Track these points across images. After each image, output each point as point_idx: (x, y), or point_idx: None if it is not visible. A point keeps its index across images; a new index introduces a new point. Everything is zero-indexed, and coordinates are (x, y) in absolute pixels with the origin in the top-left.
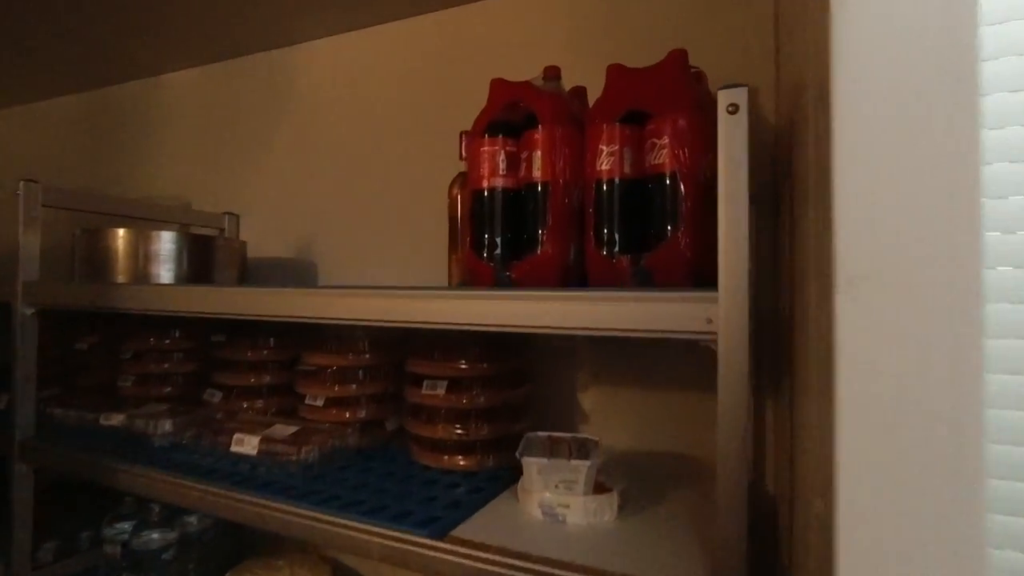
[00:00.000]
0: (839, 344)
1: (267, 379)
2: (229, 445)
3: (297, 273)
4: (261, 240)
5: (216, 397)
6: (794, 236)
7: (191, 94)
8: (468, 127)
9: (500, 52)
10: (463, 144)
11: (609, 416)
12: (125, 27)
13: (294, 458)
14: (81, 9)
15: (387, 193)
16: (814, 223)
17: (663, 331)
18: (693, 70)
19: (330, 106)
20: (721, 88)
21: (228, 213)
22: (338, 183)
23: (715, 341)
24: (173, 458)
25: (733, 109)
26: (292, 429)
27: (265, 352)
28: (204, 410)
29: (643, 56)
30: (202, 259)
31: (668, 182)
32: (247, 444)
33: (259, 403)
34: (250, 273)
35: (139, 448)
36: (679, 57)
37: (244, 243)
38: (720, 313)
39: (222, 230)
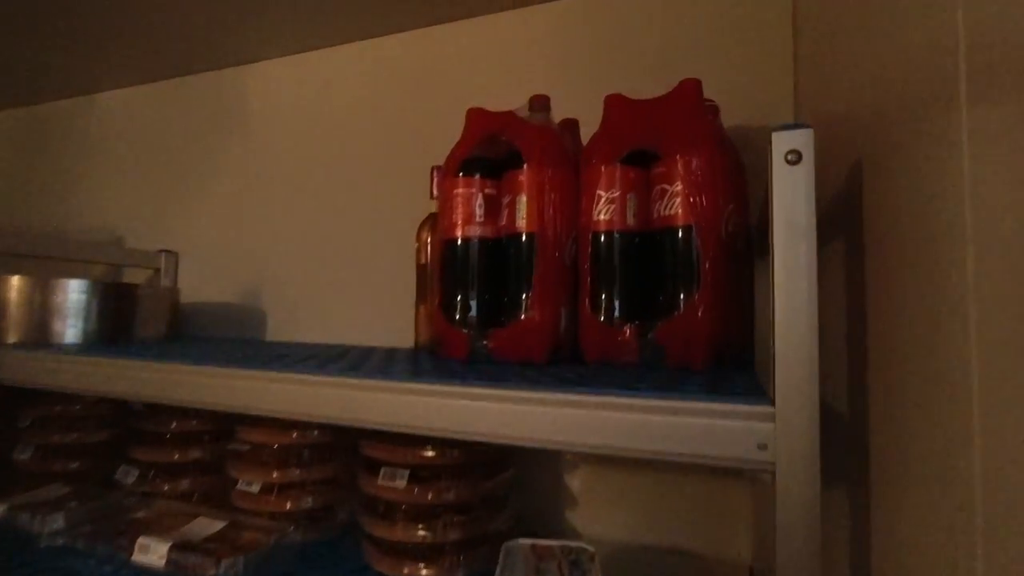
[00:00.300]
0: None
1: (195, 455)
2: (132, 552)
3: (243, 324)
4: (202, 283)
5: (131, 477)
6: (866, 309)
7: (128, 115)
8: (441, 161)
9: (478, 78)
10: (434, 181)
11: (602, 501)
12: (55, 39)
13: (211, 573)
14: (4, 16)
15: (348, 234)
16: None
17: (694, 455)
18: (707, 103)
19: (286, 134)
20: (776, 129)
21: (165, 251)
22: (293, 220)
23: (770, 473)
24: (59, 566)
25: (794, 158)
26: (217, 526)
27: (194, 422)
28: (113, 495)
29: (644, 87)
30: (120, 311)
31: (681, 236)
32: (153, 552)
33: (184, 484)
34: (186, 323)
35: (19, 552)
36: (693, 87)
37: (176, 290)
38: (779, 437)
39: (158, 270)
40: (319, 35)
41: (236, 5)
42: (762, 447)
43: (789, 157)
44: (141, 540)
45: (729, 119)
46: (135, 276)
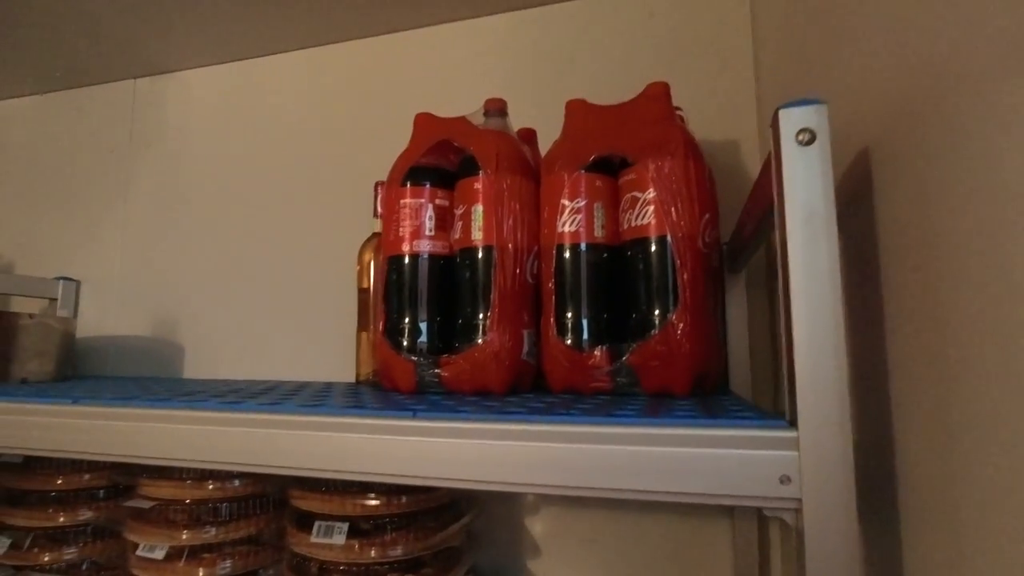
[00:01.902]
0: None
1: (84, 517)
2: None
3: (155, 361)
4: (107, 315)
5: (1, 547)
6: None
7: (24, 126)
8: (384, 177)
9: (424, 92)
10: (378, 198)
11: (568, 548)
12: None
13: None
14: None
15: (279, 257)
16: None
17: (693, 494)
18: (676, 112)
19: (209, 149)
20: (783, 106)
21: (64, 279)
22: (216, 244)
23: (796, 511)
24: None
25: (807, 138)
26: None
27: (87, 476)
28: None
29: (601, 100)
30: None
31: (656, 248)
32: None
33: (69, 553)
34: (86, 360)
35: None
36: (662, 90)
37: (70, 321)
38: (804, 466)
39: (54, 300)
40: (252, 44)
41: (153, 10)
42: (784, 480)
43: (801, 137)
44: None
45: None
46: (27, 307)
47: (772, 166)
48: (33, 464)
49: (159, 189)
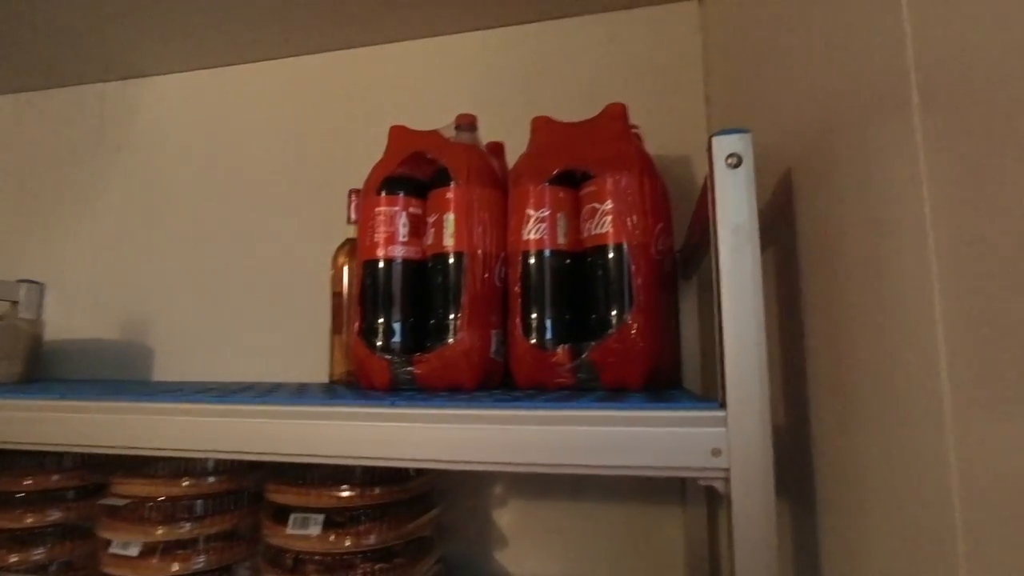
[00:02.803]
0: None
1: (53, 517)
2: None
3: (123, 364)
4: (74, 317)
5: None
6: (802, 324)
7: None
8: (358, 185)
9: (398, 104)
10: (352, 204)
11: (533, 536)
12: None
13: None
14: None
15: (253, 263)
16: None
17: (645, 467)
18: (632, 130)
19: (180, 154)
20: (715, 134)
21: (26, 281)
22: (188, 248)
23: (724, 480)
24: None
25: (735, 162)
26: None
27: (56, 477)
28: None
29: (567, 115)
30: None
31: (613, 255)
32: None
33: (38, 554)
34: (50, 364)
35: None
36: (620, 110)
37: (38, 323)
38: (732, 440)
39: (15, 303)
40: (228, 51)
41: (125, 14)
42: (716, 453)
43: (730, 160)
44: None
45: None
46: None
47: (707, 185)
48: (4, 460)
49: (129, 193)
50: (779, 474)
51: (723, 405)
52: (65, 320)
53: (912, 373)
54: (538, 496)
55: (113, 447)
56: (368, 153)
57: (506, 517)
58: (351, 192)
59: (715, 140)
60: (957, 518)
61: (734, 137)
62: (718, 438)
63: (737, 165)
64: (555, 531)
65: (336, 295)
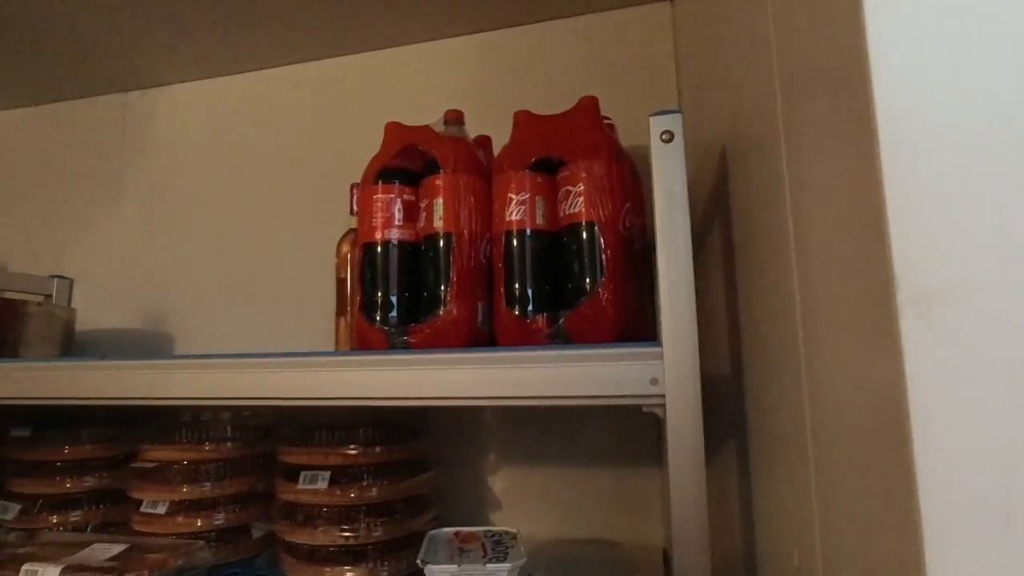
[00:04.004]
0: (911, 384)
1: (88, 483)
2: None
3: (148, 349)
4: (100, 309)
5: (11, 512)
6: (737, 285)
7: (17, 135)
8: (358, 180)
9: (394, 103)
10: (354, 197)
11: (526, 500)
12: None
13: None
14: None
15: (264, 255)
16: (839, 257)
17: (598, 396)
18: (605, 121)
19: (196, 156)
20: (653, 115)
21: (57, 276)
22: (204, 244)
23: (662, 405)
24: None
25: (668, 137)
26: (118, 548)
27: (89, 447)
28: None
29: (548, 110)
30: (2, 331)
31: (585, 233)
32: None
33: (75, 516)
34: (81, 348)
35: None
36: (592, 103)
37: (71, 310)
38: (667, 371)
39: (48, 296)
40: (237, 61)
41: (145, 28)
42: (654, 382)
43: (663, 136)
44: (27, 567)
45: (624, 141)
46: None
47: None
48: (40, 437)
49: (150, 194)
50: (721, 412)
51: (659, 343)
52: (92, 312)
53: (786, 355)
54: (529, 461)
55: (148, 398)
56: (367, 150)
57: (499, 483)
58: (352, 186)
59: (652, 120)
60: (807, 423)
61: (667, 117)
62: (655, 369)
63: (670, 140)
64: (546, 494)
65: (340, 281)
